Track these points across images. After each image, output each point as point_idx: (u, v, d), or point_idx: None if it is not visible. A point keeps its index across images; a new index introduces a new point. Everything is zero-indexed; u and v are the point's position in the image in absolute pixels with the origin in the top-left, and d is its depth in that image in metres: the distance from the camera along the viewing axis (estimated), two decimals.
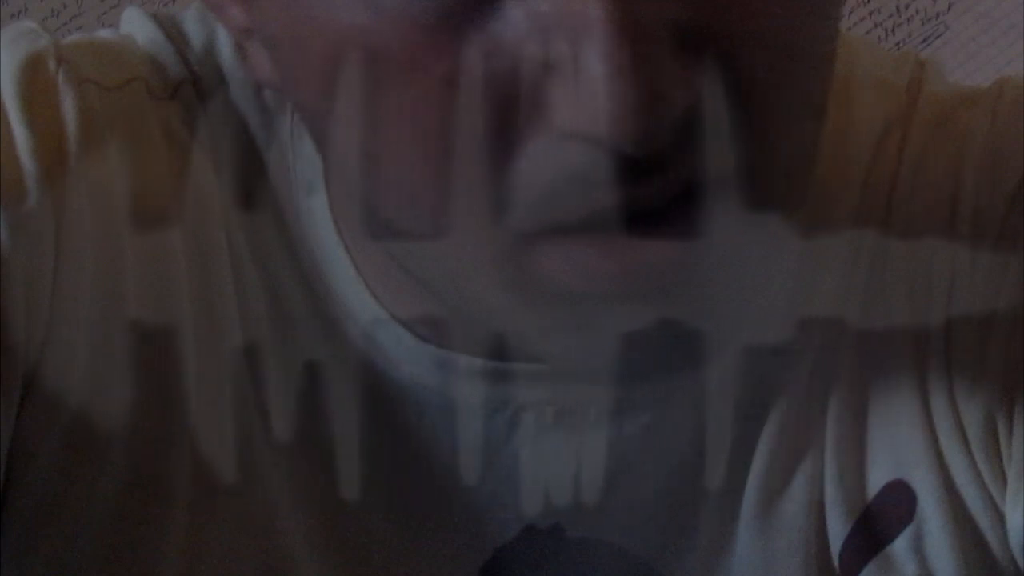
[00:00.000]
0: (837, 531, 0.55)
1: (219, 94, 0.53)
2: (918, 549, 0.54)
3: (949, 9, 1.22)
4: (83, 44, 0.53)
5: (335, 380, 0.54)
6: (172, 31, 0.54)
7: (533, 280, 0.42)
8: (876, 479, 0.54)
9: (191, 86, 0.53)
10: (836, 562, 0.55)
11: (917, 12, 1.22)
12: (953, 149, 0.54)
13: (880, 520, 0.54)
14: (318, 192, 0.53)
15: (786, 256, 0.43)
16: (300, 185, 0.53)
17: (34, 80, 0.50)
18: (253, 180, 0.53)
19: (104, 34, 0.55)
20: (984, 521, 0.53)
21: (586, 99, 0.38)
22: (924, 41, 1.21)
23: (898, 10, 1.22)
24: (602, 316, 0.42)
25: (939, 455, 0.53)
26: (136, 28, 0.55)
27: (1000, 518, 0.53)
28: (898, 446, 0.54)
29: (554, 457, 0.54)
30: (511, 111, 0.40)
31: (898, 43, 1.21)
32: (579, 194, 0.40)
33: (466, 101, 0.40)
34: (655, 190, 0.40)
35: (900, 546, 0.54)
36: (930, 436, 0.53)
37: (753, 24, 0.40)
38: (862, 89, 0.55)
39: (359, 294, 0.53)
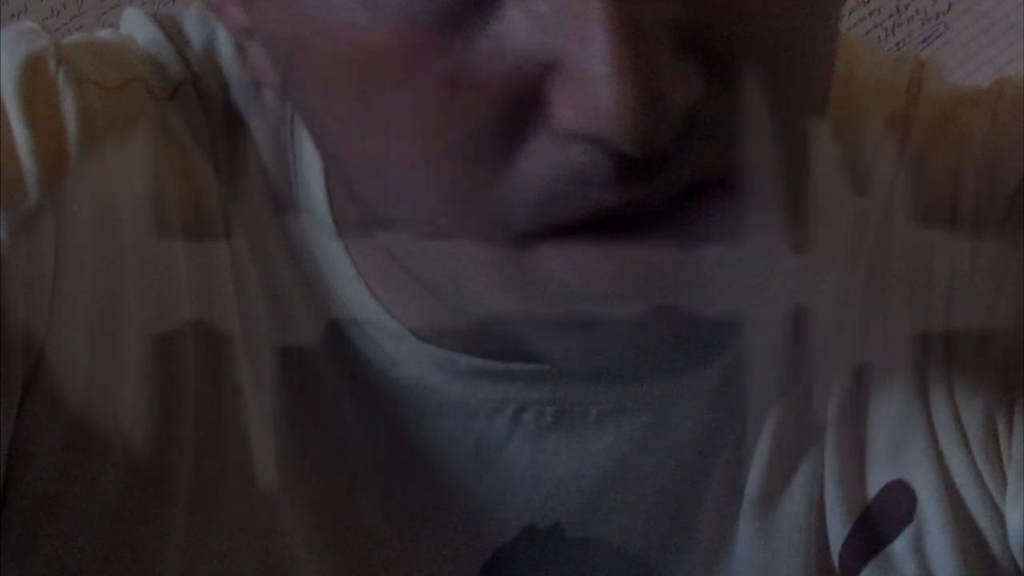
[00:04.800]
0: (837, 531, 0.55)
1: (219, 94, 0.53)
2: (918, 549, 0.54)
3: (949, 9, 1.22)
4: (83, 44, 0.53)
5: (335, 380, 0.54)
6: (172, 31, 0.54)
7: (533, 280, 0.42)
8: (876, 479, 0.54)
9: (191, 86, 0.53)
10: (836, 562, 0.55)
11: (917, 12, 1.22)
12: (953, 149, 0.54)
13: (880, 520, 0.54)
14: (318, 191, 0.53)
15: (786, 256, 0.43)
16: (300, 185, 0.53)
17: (34, 80, 0.50)
18: (253, 180, 0.53)
19: (104, 34, 0.55)
20: (984, 521, 0.53)
21: (586, 99, 0.38)
22: (924, 41, 1.21)
23: (898, 10, 1.22)
24: (602, 316, 0.42)
25: (939, 455, 0.53)
26: (136, 28, 0.55)
27: (1000, 518, 0.53)
28: (898, 446, 0.54)
29: (554, 457, 0.54)
30: (511, 111, 0.40)
31: (898, 43, 1.21)
32: (579, 194, 0.40)
33: (466, 101, 0.40)
34: (655, 190, 0.40)
35: (900, 546, 0.54)
36: (930, 436, 0.53)
37: (753, 24, 0.40)
38: (862, 89, 0.55)
39: (359, 294, 0.53)
